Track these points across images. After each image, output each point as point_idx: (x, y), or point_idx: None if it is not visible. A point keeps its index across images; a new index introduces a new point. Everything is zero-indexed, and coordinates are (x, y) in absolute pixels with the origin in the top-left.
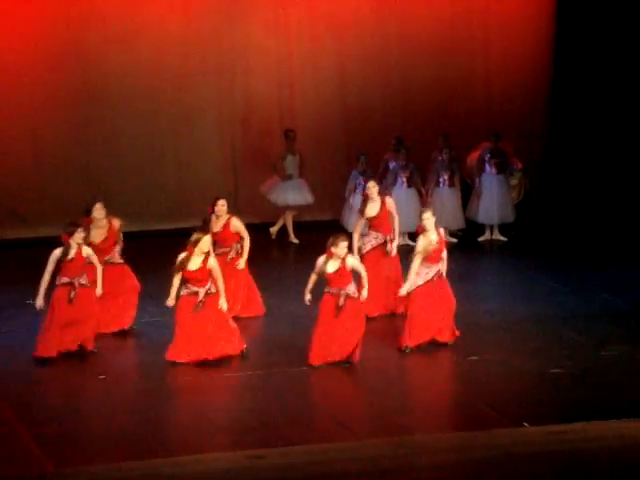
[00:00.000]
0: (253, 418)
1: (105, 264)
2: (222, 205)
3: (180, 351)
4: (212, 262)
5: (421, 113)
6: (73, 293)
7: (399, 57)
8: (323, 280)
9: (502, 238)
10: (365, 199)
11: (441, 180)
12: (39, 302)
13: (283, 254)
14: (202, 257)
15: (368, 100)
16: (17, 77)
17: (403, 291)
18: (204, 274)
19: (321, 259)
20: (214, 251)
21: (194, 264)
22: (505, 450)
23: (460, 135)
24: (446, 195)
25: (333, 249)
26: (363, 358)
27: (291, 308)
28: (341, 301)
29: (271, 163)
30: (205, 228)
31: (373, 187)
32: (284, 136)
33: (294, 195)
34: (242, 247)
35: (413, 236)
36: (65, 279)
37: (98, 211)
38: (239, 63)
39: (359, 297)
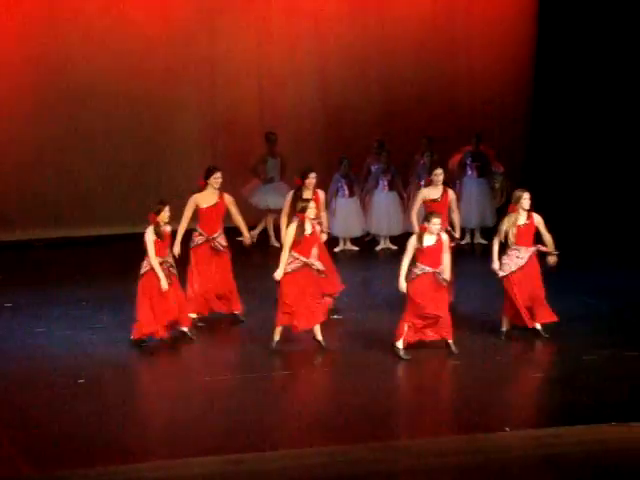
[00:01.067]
0: (233, 422)
1: None
2: (313, 178)
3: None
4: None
5: (403, 116)
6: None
7: (381, 60)
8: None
9: (483, 241)
10: (427, 184)
11: (422, 183)
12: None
13: (264, 257)
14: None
15: (350, 103)
16: None
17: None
18: (316, 239)
19: (413, 238)
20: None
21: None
22: (487, 454)
23: (442, 138)
24: None
25: (427, 224)
26: (344, 361)
27: (274, 311)
28: (441, 280)
29: (252, 166)
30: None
31: (440, 174)
32: (265, 139)
33: (275, 198)
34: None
35: (395, 239)
36: (159, 259)
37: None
38: (220, 66)
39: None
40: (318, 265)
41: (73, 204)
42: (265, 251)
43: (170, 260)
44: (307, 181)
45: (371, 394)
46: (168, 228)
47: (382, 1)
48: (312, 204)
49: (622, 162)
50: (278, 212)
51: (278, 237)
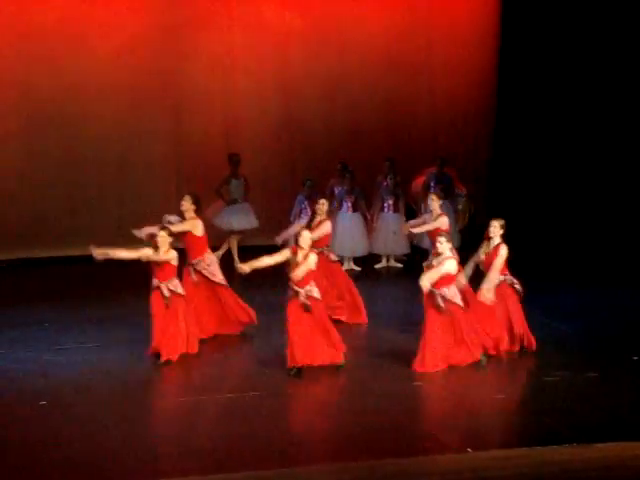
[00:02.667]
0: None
1: None
2: (322, 204)
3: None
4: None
5: (366, 137)
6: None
7: (344, 83)
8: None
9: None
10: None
11: (386, 205)
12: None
13: (228, 279)
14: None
15: (312, 125)
16: None
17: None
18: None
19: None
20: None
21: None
22: (448, 476)
23: (405, 160)
24: (391, 220)
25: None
26: (302, 383)
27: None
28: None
29: (215, 187)
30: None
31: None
32: (228, 160)
33: (239, 219)
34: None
35: (359, 260)
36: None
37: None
38: (185, 89)
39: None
40: (302, 297)
41: (33, 226)
42: (230, 272)
43: (170, 285)
44: (317, 207)
45: (331, 416)
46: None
47: (345, 25)
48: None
49: (587, 183)
50: (242, 233)
51: (241, 258)
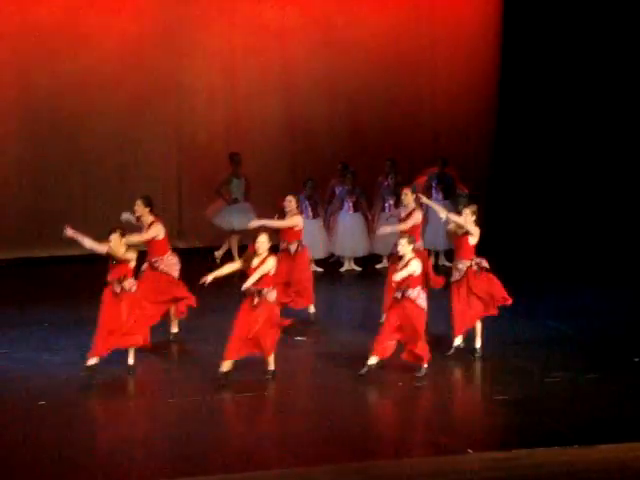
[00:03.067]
0: (194, 445)
1: None
2: (290, 201)
3: None
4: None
5: (367, 138)
6: None
7: (346, 83)
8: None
9: (447, 264)
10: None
11: (387, 205)
12: None
13: (228, 278)
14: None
15: (314, 125)
16: None
17: None
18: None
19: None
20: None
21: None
22: (449, 477)
23: (407, 160)
24: (392, 220)
25: None
26: (302, 381)
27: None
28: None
29: (216, 187)
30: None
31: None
32: (229, 160)
33: (239, 219)
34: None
35: (359, 260)
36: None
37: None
38: (186, 86)
39: None
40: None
41: (32, 225)
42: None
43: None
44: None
45: (330, 415)
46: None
47: (347, 24)
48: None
49: (586, 184)
50: (242, 233)
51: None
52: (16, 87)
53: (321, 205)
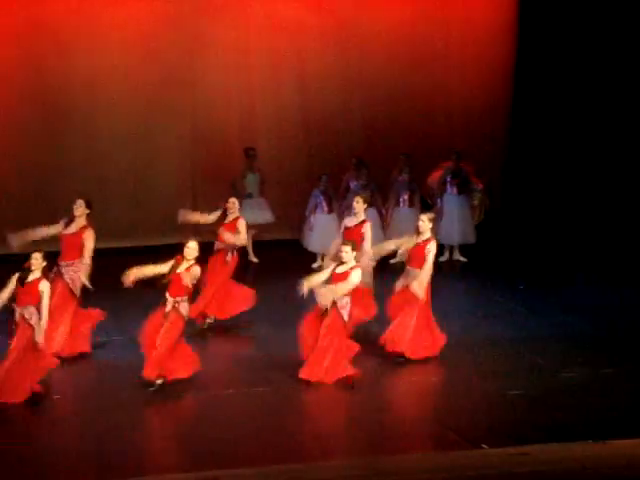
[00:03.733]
0: (222, 438)
1: None
2: (233, 203)
3: None
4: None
5: (382, 133)
6: None
7: (361, 77)
8: None
9: (462, 259)
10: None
11: (401, 200)
12: None
13: (242, 273)
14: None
15: (329, 119)
16: None
17: None
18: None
19: None
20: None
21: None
22: (464, 472)
23: (421, 155)
24: (406, 215)
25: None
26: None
27: (251, 326)
28: None
29: (231, 182)
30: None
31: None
32: (244, 154)
33: (254, 214)
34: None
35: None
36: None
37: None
38: (200, 81)
39: None
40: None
41: (43, 218)
42: (245, 265)
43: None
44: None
45: (345, 411)
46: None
47: (361, 20)
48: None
49: (600, 178)
50: (256, 228)
51: (256, 253)
52: (30, 82)
53: (335, 200)
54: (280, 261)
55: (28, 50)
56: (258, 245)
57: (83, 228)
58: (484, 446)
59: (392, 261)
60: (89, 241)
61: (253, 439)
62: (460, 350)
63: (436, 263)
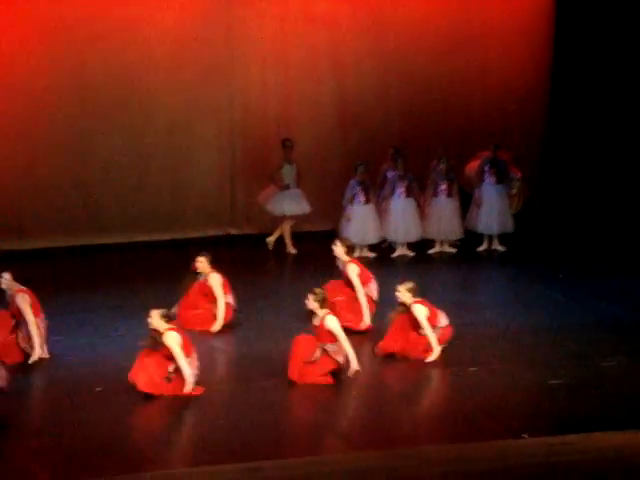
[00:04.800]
0: (248, 431)
1: None
2: (200, 262)
3: None
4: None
5: (419, 122)
6: None
7: (397, 66)
8: None
9: (501, 248)
10: None
11: (439, 190)
12: None
13: (280, 265)
14: None
15: (366, 109)
16: (9, 80)
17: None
18: None
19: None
20: None
21: None
22: (505, 462)
23: (459, 144)
24: (444, 205)
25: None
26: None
27: (287, 319)
28: None
29: (268, 173)
30: None
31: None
32: (282, 146)
33: (291, 205)
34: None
35: (412, 246)
36: None
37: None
38: (237, 73)
39: None
40: None
41: (90, 212)
42: (282, 257)
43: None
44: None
45: (386, 401)
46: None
47: (398, 8)
48: None
49: None
50: (294, 219)
51: (294, 244)
52: (68, 79)
53: (373, 190)
54: (318, 252)
55: (65, 47)
56: (296, 236)
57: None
58: (525, 436)
59: (430, 252)
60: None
61: (294, 431)
62: (499, 339)
63: (475, 253)
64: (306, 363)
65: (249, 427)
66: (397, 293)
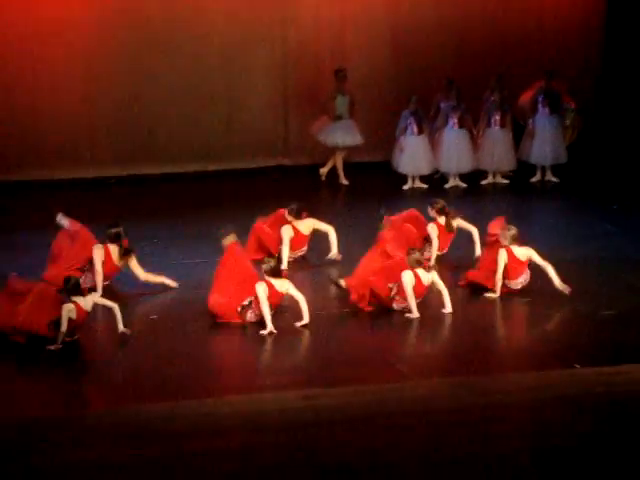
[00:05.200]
0: (304, 359)
1: None
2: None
3: None
4: None
5: (473, 53)
6: None
7: None
8: None
9: (554, 179)
10: None
11: (492, 120)
12: None
13: (333, 195)
14: None
15: (419, 39)
16: (65, 14)
17: None
18: None
19: None
20: None
21: None
22: (557, 391)
23: (512, 74)
24: (498, 136)
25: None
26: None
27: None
28: None
29: (321, 103)
30: None
31: None
32: (334, 76)
33: (344, 136)
34: None
35: (464, 177)
36: None
37: None
38: (291, 2)
39: None
40: None
41: (144, 143)
42: (335, 188)
43: None
44: None
45: (440, 331)
46: None
47: None
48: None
49: None
50: (346, 150)
51: (347, 175)
52: (123, 15)
53: (426, 121)
54: (370, 184)
55: None
56: (348, 167)
57: None
58: (577, 366)
59: (483, 182)
60: None
61: (349, 360)
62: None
63: (528, 184)
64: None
65: (308, 355)
66: (500, 231)
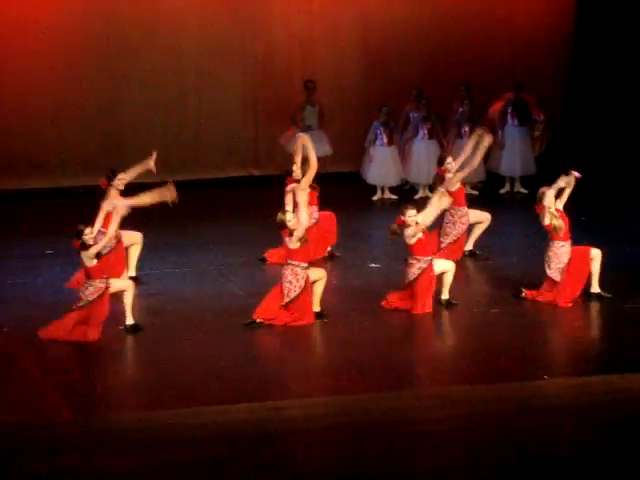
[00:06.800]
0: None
1: None
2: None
3: None
4: None
5: (442, 64)
6: None
7: (421, 8)
8: None
9: (523, 190)
10: None
11: (462, 131)
12: None
13: None
14: None
15: (389, 50)
16: (32, 21)
17: None
18: None
19: None
20: None
21: None
22: (525, 402)
23: (481, 86)
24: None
25: None
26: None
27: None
28: None
29: (290, 114)
30: None
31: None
32: (304, 87)
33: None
34: None
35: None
36: None
37: None
38: (260, 12)
39: None
40: None
41: (110, 151)
42: None
43: None
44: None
45: (422, 339)
46: None
47: None
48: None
49: None
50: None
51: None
52: (96, 27)
53: (395, 132)
54: (340, 194)
55: None
56: (317, 178)
57: None
58: (545, 377)
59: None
60: None
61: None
62: (522, 284)
63: (497, 195)
64: None
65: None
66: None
